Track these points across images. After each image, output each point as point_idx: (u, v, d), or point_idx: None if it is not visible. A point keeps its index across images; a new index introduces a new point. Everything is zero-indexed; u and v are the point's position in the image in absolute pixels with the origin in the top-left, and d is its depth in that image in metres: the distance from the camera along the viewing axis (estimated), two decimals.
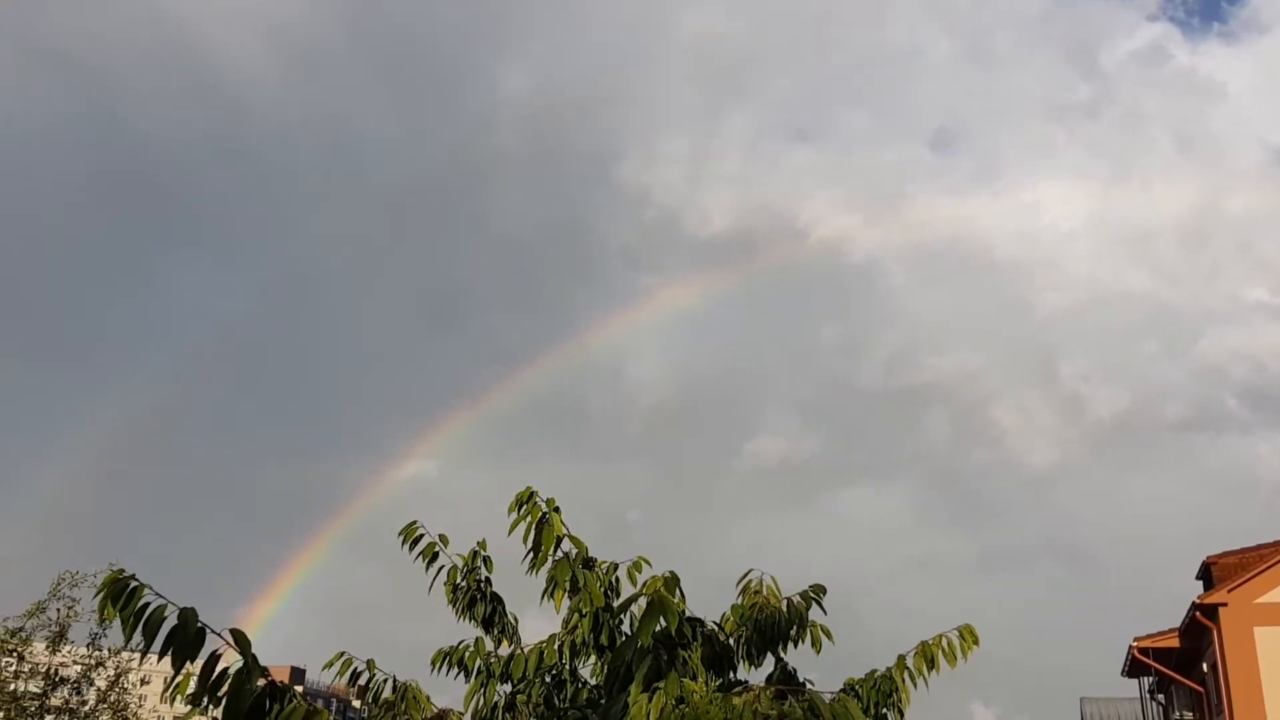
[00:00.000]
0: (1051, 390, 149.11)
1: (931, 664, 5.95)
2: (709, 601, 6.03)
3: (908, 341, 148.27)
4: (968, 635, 5.98)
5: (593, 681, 6.12)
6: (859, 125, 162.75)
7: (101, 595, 4.08)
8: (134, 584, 4.07)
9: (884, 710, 5.91)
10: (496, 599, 6.63)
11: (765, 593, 6.14)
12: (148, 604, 4.05)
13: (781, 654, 6.04)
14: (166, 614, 4.08)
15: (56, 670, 20.75)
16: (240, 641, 4.18)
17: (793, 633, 5.99)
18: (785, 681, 5.82)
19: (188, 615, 4.06)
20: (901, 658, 5.97)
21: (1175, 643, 28.35)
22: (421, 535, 6.56)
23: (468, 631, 6.57)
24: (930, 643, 5.95)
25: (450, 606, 6.60)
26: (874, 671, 5.99)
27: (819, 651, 6.05)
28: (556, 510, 6.21)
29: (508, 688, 6.22)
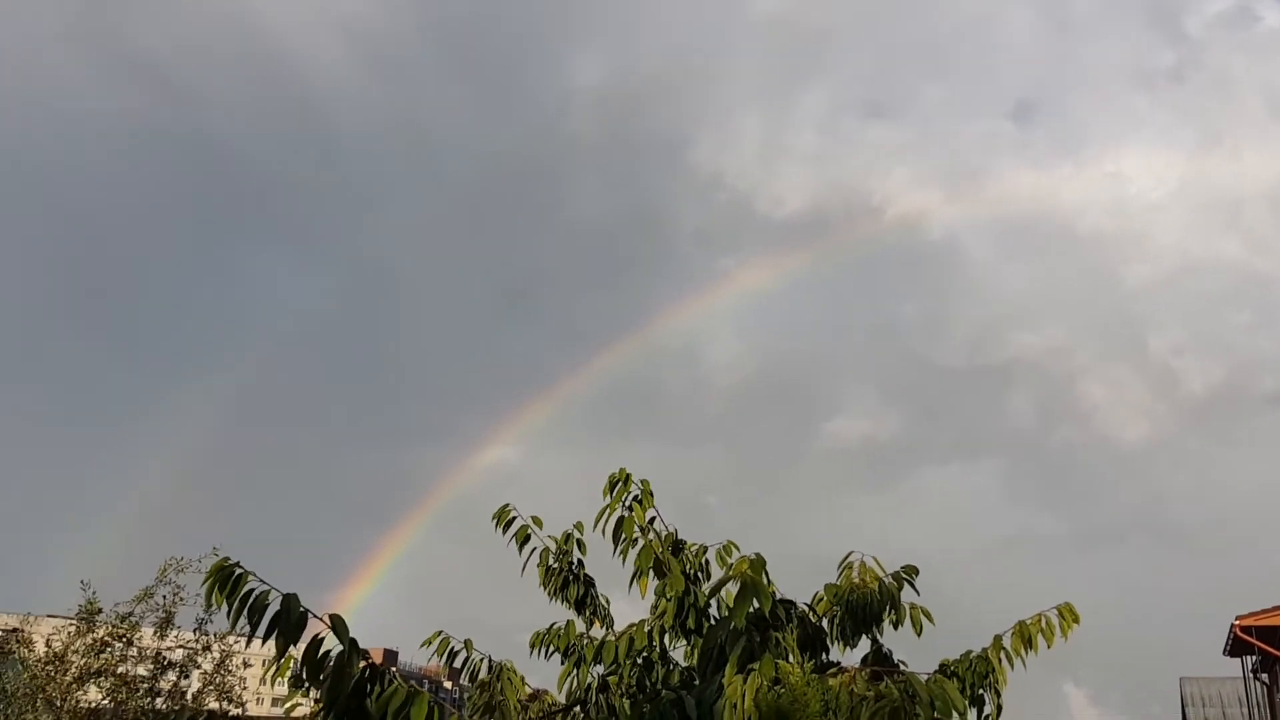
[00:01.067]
0: (1141, 364, 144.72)
1: (1029, 644, 5.83)
2: (793, 584, 6.00)
3: (991, 318, 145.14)
4: (1068, 614, 5.84)
5: (684, 663, 6.14)
6: (936, 99, 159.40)
7: (208, 582, 4.22)
8: (239, 571, 4.19)
9: (980, 691, 5.82)
10: (589, 581, 6.70)
11: (864, 574, 6.07)
12: (252, 590, 4.17)
13: (876, 635, 5.98)
14: (270, 600, 4.19)
15: (164, 654, 21.47)
16: (339, 626, 4.27)
17: (887, 613, 5.92)
18: (880, 663, 5.76)
19: (290, 601, 4.16)
20: (998, 638, 5.87)
21: None
22: (514, 518, 6.64)
23: (554, 613, 6.65)
24: (1028, 622, 5.84)
25: (543, 588, 6.68)
26: (969, 652, 5.90)
27: (920, 633, 5.96)
28: (650, 494, 6.24)
29: (600, 669, 6.27)
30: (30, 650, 22.05)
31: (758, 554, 5.50)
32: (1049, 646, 5.83)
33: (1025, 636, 5.84)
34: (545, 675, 6.68)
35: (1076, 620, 5.89)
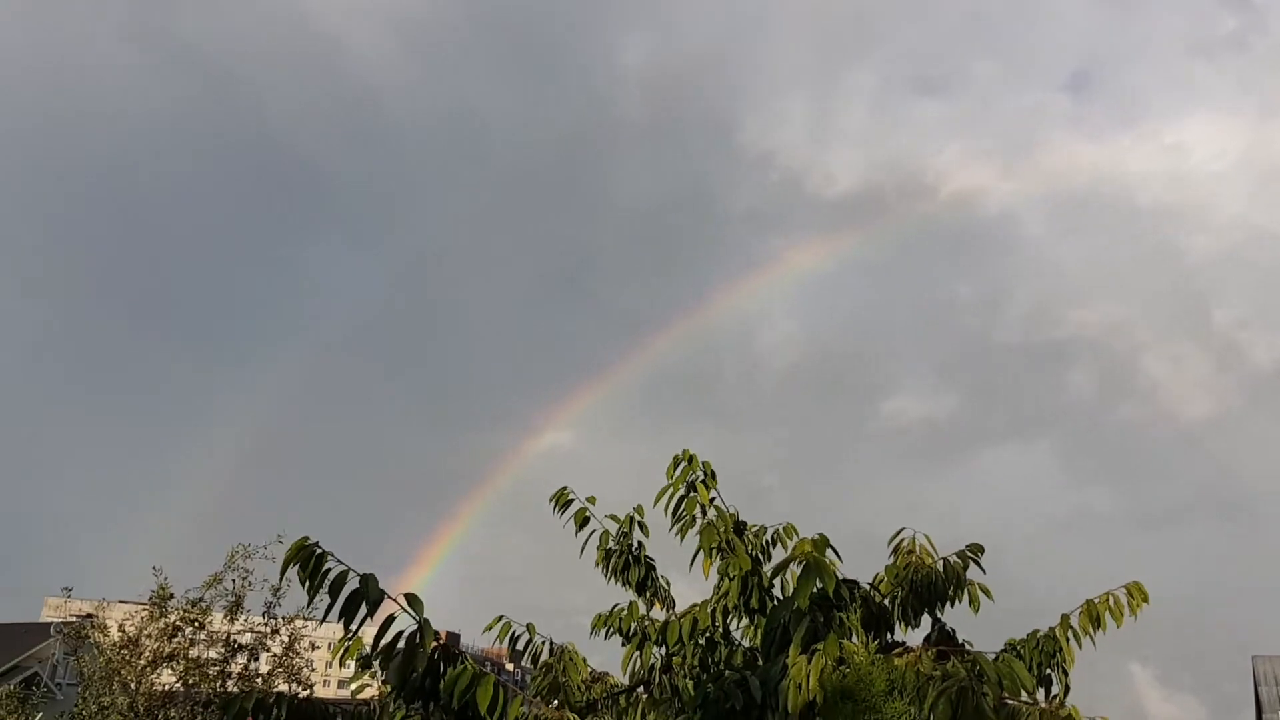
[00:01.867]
0: (1204, 339, 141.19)
1: (1098, 623, 5.75)
2: (853, 565, 5.96)
3: (1049, 294, 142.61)
4: (1137, 592, 5.75)
5: (746, 644, 6.14)
6: (988, 73, 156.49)
7: (289, 561, 4.28)
8: (319, 550, 4.25)
9: (1048, 671, 5.76)
10: (650, 563, 6.71)
11: (919, 552, 6.02)
12: (331, 569, 4.24)
13: (939, 614, 5.93)
14: (348, 579, 4.26)
15: (234, 638, 21.94)
16: (414, 605, 4.32)
17: (950, 592, 5.87)
18: (944, 642, 5.72)
19: (368, 580, 4.22)
20: (1065, 617, 5.80)
21: None
22: (572, 500, 6.67)
23: (612, 595, 6.67)
24: (1096, 601, 5.75)
25: (601, 571, 6.70)
26: (1035, 631, 5.84)
27: (977, 610, 5.91)
28: (713, 475, 6.24)
29: (662, 650, 6.29)
30: (105, 635, 22.67)
31: (821, 534, 5.47)
32: (1118, 626, 5.75)
33: (1093, 615, 5.75)
34: (604, 658, 6.73)
35: (1145, 599, 5.79)
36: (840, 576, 5.55)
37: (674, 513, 6.28)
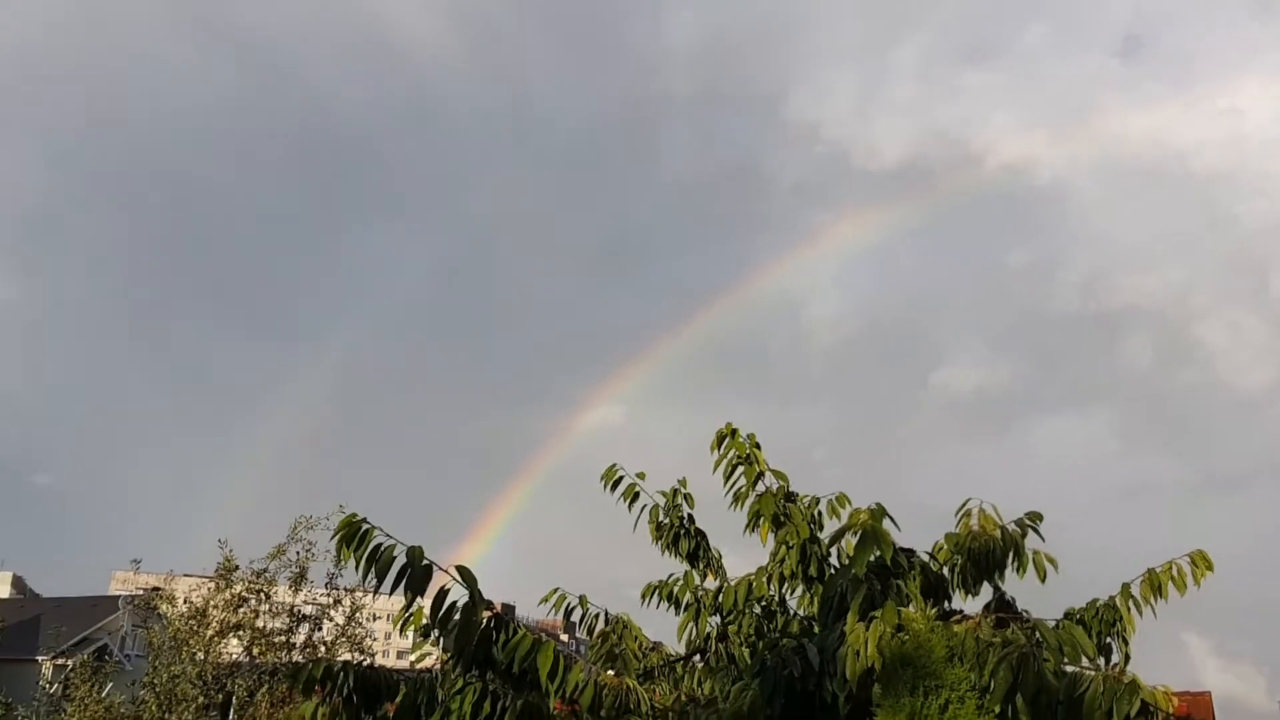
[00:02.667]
0: (1265, 305, 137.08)
1: (1159, 592, 5.67)
2: (905, 536, 5.93)
3: (1103, 263, 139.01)
4: (1200, 561, 5.64)
5: (801, 612, 6.16)
6: (1039, 39, 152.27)
7: (337, 536, 4.36)
8: (366, 526, 4.32)
9: (1108, 640, 5.70)
10: (700, 534, 6.74)
11: (979, 520, 5.97)
12: (379, 544, 4.30)
13: (999, 583, 5.88)
14: (395, 553, 4.32)
15: (298, 609, 22.39)
16: (466, 577, 4.38)
17: (1010, 561, 5.81)
18: (1003, 610, 5.67)
19: (415, 553, 4.28)
20: (1126, 586, 5.72)
21: None
22: (622, 476, 6.71)
23: (665, 567, 6.72)
24: (1159, 570, 5.67)
25: (654, 543, 6.76)
26: (1095, 600, 5.77)
27: (1044, 579, 5.84)
28: (757, 446, 6.24)
29: (717, 619, 6.32)
30: (172, 606, 23.27)
31: (878, 504, 5.44)
32: (1181, 595, 5.65)
33: (1155, 584, 5.67)
34: (656, 629, 6.78)
35: (1210, 568, 5.69)
36: (897, 546, 5.53)
37: (730, 482, 6.30)
